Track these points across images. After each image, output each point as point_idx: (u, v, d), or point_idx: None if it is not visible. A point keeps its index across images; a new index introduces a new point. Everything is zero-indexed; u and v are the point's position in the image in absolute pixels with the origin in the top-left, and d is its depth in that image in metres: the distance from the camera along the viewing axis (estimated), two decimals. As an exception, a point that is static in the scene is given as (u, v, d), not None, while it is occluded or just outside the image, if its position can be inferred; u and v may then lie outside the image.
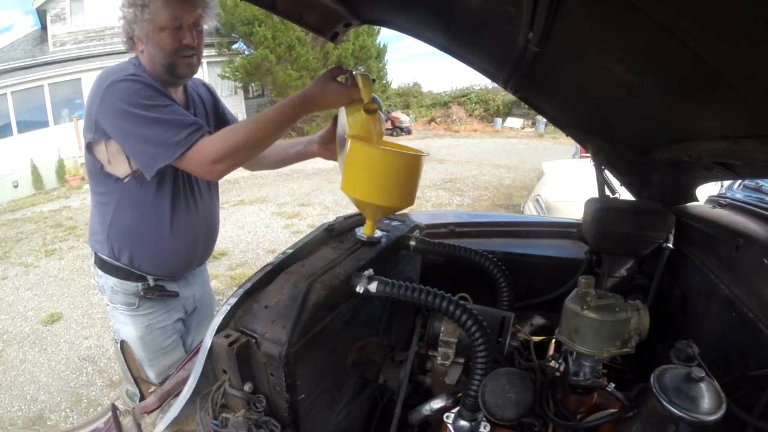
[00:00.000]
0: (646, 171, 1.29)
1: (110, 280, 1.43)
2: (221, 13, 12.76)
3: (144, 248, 1.40)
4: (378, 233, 1.08)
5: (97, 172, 1.33)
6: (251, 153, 1.21)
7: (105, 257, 1.42)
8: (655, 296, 1.22)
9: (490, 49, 1.05)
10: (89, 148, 1.31)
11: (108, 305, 1.49)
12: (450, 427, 0.83)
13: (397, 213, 1.19)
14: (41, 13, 12.51)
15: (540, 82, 1.05)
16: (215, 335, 0.80)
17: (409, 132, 17.84)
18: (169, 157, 1.16)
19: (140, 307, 1.44)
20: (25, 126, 11.31)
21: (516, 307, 1.13)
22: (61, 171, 11.18)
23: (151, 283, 1.42)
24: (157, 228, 1.37)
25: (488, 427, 0.81)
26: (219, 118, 1.55)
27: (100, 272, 1.45)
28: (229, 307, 0.83)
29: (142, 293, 1.42)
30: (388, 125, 17.60)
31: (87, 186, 1.51)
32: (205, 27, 1.31)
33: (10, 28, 13.00)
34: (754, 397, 0.80)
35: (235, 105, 13.78)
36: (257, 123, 1.17)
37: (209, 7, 1.29)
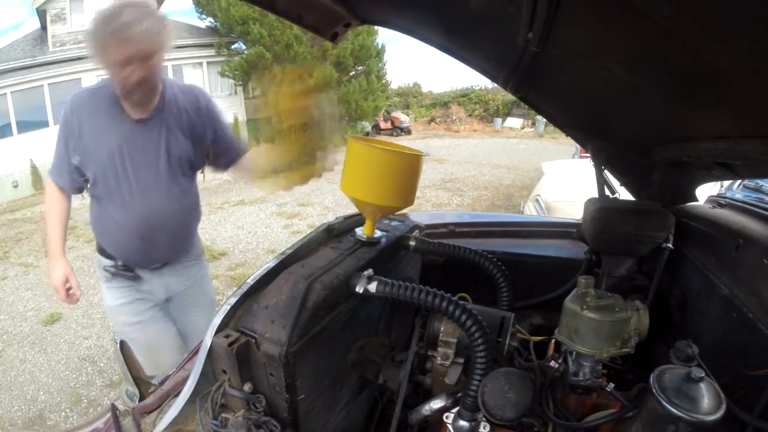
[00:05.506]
0: (646, 171, 1.29)
1: (96, 255, 1.69)
2: (218, 14, 12.76)
3: (103, 237, 1.63)
4: (378, 233, 1.08)
5: None
6: None
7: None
8: (655, 296, 1.21)
9: (490, 49, 1.04)
10: None
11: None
12: (450, 427, 0.83)
13: (397, 213, 1.19)
14: (41, 13, 12.50)
15: (540, 82, 1.05)
16: (215, 335, 0.79)
17: (409, 132, 17.86)
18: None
19: (112, 280, 1.65)
20: (25, 126, 11.29)
21: (516, 307, 1.13)
22: (61, 171, 11.17)
23: (119, 263, 1.62)
24: (107, 220, 1.56)
25: (488, 427, 0.81)
26: (193, 128, 1.56)
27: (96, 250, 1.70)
28: (228, 307, 0.83)
29: (112, 270, 1.63)
30: (388, 125, 17.61)
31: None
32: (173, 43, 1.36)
33: (19, 27, 13.04)
34: (754, 397, 0.80)
35: (234, 105, 13.77)
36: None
37: (159, 35, 1.29)
